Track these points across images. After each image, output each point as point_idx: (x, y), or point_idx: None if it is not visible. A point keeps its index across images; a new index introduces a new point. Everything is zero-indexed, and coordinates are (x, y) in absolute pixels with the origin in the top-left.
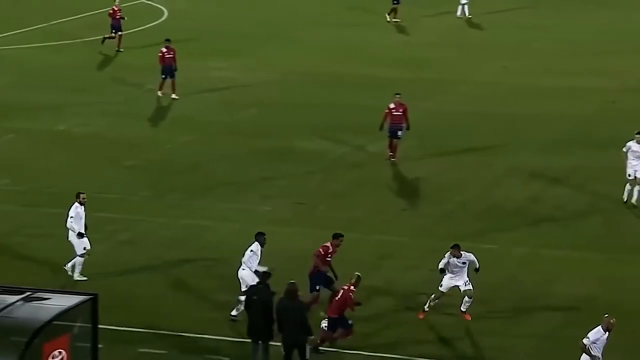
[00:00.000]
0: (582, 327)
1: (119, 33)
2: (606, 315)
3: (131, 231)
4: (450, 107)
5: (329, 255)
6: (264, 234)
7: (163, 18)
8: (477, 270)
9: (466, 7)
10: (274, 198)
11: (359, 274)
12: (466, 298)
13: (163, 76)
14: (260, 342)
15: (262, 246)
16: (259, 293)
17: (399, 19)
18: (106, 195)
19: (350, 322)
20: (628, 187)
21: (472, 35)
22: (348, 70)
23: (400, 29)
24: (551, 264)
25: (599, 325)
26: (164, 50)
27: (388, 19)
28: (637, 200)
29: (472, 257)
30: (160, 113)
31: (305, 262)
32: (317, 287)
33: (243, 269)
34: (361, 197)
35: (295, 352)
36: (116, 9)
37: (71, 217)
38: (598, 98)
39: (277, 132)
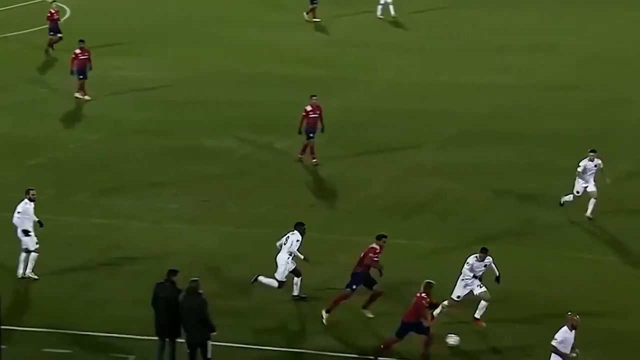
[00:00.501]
0: (487, 320)
1: (59, 35)
2: (569, 314)
3: (38, 230)
4: (357, 105)
5: (377, 256)
6: (303, 224)
7: (66, 16)
8: (497, 279)
9: (391, 7)
10: (182, 196)
11: (429, 280)
12: (482, 303)
13: (81, 77)
14: (166, 339)
15: (302, 235)
16: (164, 290)
17: (318, 18)
18: (11, 195)
19: (428, 327)
20: (568, 198)
21: (386, 34)
22: (258, 69)
23: (318, 27)
24: (455, 258)
25: (565, 327)
26: (78, 51)
27: (307, 18)
28: (592, 213)
29: (491, 260)
30: (65, 112)
31: (214, 259)
32: (354, 287)
33: (282, 255)
34: (269, 194)
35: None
36: (53, 11)
37: (18, 212)
38: (498, 95)
39: (185, 130)
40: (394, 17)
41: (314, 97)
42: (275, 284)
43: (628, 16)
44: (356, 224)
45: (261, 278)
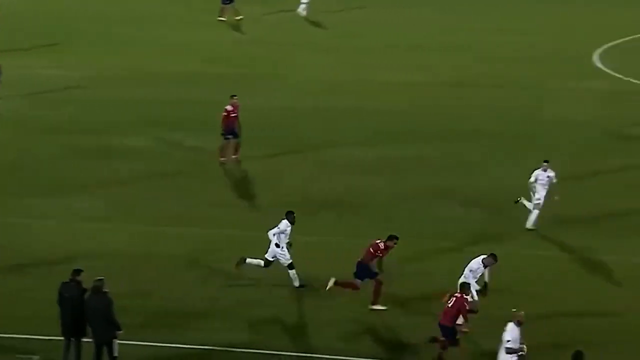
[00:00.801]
0: (394, 316)
1: None
2: (514, 310)
3: None
4: (273, 103)
5: (379, 252)
6: (293, 213)
7: None
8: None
9: (305, 7)
10: (94, 195)
11: (464, 281)
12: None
13: None
14: (72, 339)
15: (292, 224)
16: (69, 290)
17: (225, 17)
18: None
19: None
20: (529, 206)
21: (304, 33)
22: (174, 68)
23: (235, 27)
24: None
25: (510, 322)
26: None
27: (223, 18)
28: (534, 224)
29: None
30: None
31: (122, 258)
32: (363, 279)
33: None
34: (182, 192)
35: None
36: None
37: None
38: (414, 92)
39: (98, 129)
40: (306, 17)
41: (234, 97)
42: (292, 272)
43: (545, 14)
44: (267, 221)
45: (296, 284)
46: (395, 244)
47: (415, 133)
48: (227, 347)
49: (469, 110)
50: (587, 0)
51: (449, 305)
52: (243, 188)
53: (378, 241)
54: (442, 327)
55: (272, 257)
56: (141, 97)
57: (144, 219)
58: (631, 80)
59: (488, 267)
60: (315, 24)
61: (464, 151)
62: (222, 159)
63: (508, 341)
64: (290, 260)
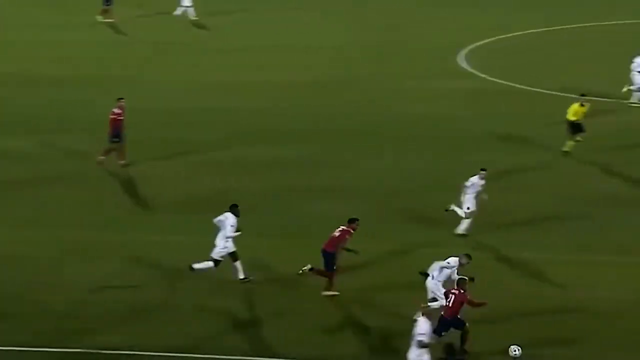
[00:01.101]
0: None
1: None
2: (423, 305)
3: None
4: (148, 104)
5: (349, 236)
6: (237, 206)
7: None
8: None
9: (191, 9)
10: None
11: (462, 277)
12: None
13: None
14: None
15: (237, 216)
16: None
17: (112, 19)
18: None
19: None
20: (459, 212)
21: (182, 34)
22: (47, 71)
23: (112, 28)
24: (241, 250)
25: (420, 317)
26: None
27: (100, 19)
28: (466, 230)
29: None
30: None
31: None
32: (334, 267)
33: (220, 239)
34: (53, 193)
35: None
36: None
37: None
38: (281, 92)
39: None
40: (193, 19)
41: (121, 100)
42: (210, 264)
43: (410, 13)
44: (142, 221)
45: (195, 265)
46: (357, 225)
47: (286, 132)
48: (100, 349)
49: (335, 109)
50: (452, 0)
51: (450, 303)
52: (120, 188)
53: (344, 227)
54: (447, 321)
55: (219, 256)
56: (15, 99)
57: (14, 222)
58: (496, 80)
59: (458, 267)
60: (197, 25)
61: (333, 149)
62: (101, 157)
63: (422, 334)
64: (219, 258)
